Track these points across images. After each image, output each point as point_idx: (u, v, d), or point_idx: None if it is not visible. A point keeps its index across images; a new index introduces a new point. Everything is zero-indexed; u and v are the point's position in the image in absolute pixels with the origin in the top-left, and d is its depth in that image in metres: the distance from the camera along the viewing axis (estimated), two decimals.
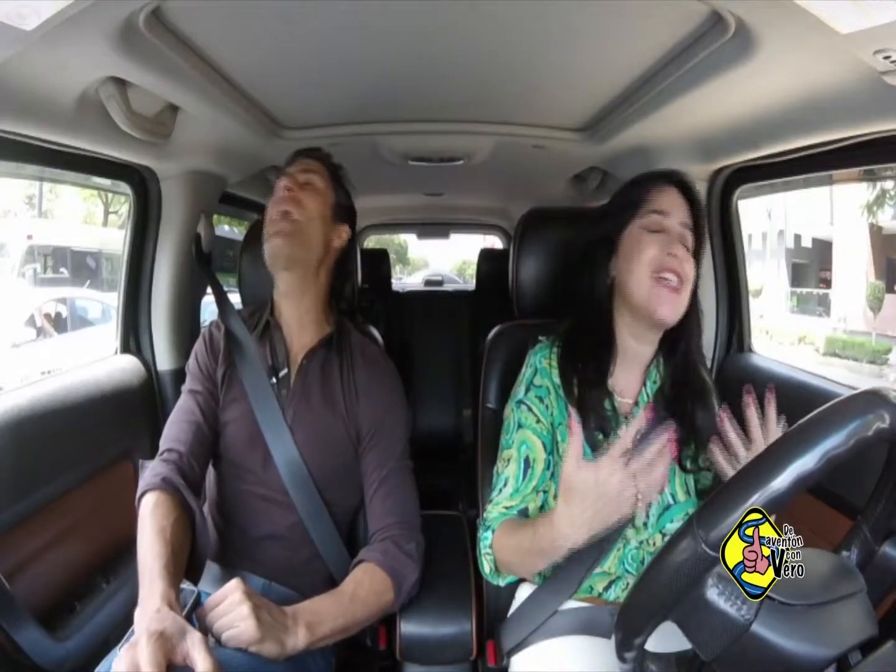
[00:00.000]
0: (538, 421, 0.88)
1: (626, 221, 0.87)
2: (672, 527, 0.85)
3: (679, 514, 0.85)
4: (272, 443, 0.95)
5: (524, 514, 0.86)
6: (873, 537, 0.57)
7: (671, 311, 0.82)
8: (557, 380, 0.88)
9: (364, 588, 0.87)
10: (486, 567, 0.88)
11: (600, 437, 0.84)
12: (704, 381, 0.90)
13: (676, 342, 0.88)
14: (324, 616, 0.81)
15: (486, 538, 0.87)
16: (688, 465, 0.86)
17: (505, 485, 0.87)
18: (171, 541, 0.79)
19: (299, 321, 1.03)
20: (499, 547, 0.85)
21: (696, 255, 0.86)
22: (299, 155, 1.06)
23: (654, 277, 0.82)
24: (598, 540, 0.82)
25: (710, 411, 0.86)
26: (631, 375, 0.90)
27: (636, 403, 0.89)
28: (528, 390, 0.90)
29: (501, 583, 0.89)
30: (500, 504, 0.87)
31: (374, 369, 1.02)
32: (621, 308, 0.88)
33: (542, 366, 0.90)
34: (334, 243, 1.03)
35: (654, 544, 0.85)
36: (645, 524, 0.85)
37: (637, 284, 0.83)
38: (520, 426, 0.89)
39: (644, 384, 0.90)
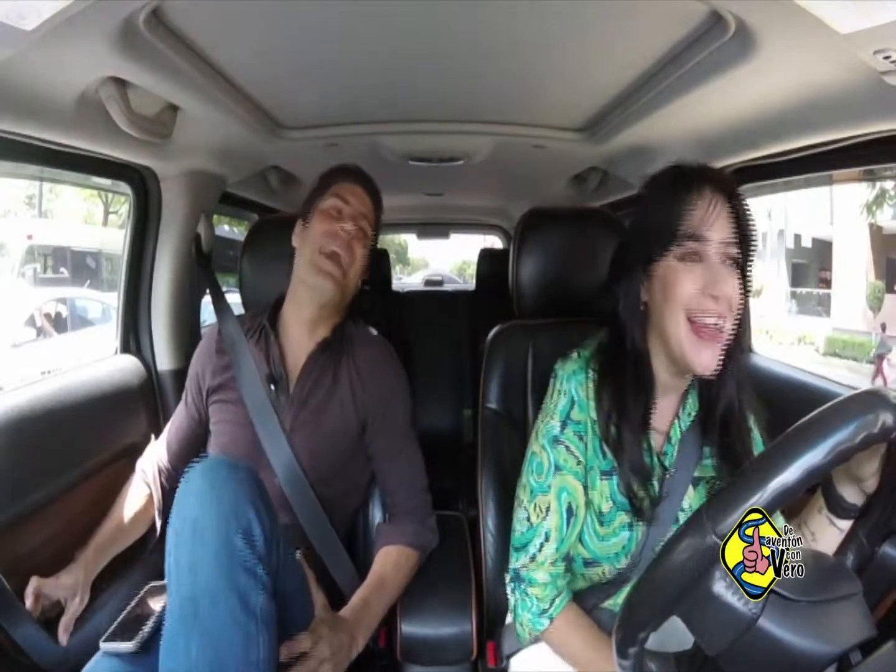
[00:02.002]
0: (578, 462, 0.79)
1: (656, 249, 0.74)
2: None
3: None
4: (269, 447, 0.95)
5: (567, 558, 0.81)
6: (871, 539, 0.57)
7: (707, 363, 0.71)
8: (594, 415, 0.79)
9: (402, 573, 0.95)
10: (527, 637, 0.81)
11: (636, 487, 0.76)
12: (741, 409, 0.78)
13: (720, 379, 0.75)
14: (377, 613, 0.89)
15: (539, 623, 0.79)
16: (700, 482, 0.79)
17: (547, 539, 0.79)
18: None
19: (308, 341, 1.03)
20: (559, 639, 0.80)
21: (743, 268, 0.73)
22: (355, 179, 1.06)
23: (692, 319, 0.72)
24: (602, 590, 0.82)
25: (747, 438, 0.78)
26: (665, 407, 0.80)
27: (668, 439, 0.80)
28: (564, 426, 0.80)
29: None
30: (545, 563, 0.79)
31: (375, 353, 1.05)
32: (655, 341, 0.77)
33: (579, 397, 0.80)
34: (362, 276, 1.06)
35: None
36: None
37: (673, 326, 0.72)
38: (558, 469, 0.79)
39: (678, 416, 0.81)
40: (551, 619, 0.79)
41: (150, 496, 1.05)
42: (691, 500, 0.79)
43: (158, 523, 1.04)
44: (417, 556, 0.98)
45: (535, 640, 0.83)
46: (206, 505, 0.66)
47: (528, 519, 0.82)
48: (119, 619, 0.85)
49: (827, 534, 0.65)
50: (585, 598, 0.83)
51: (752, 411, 0.81)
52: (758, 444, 0.81)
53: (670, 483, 0.78)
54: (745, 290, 0.73)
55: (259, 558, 0.67)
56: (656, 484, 0.78)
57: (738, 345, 0.75)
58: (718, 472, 0.78)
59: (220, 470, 0.69)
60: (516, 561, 0.83)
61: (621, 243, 0.82)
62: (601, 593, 0.83)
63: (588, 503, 0.80)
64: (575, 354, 0.84)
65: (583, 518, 0.80)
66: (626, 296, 0.78)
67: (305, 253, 1.00)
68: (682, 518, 0.78)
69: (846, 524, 0.64)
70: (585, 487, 0.79)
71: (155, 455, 1.09)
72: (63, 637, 0.85)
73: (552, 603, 0.79)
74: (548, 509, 0.79)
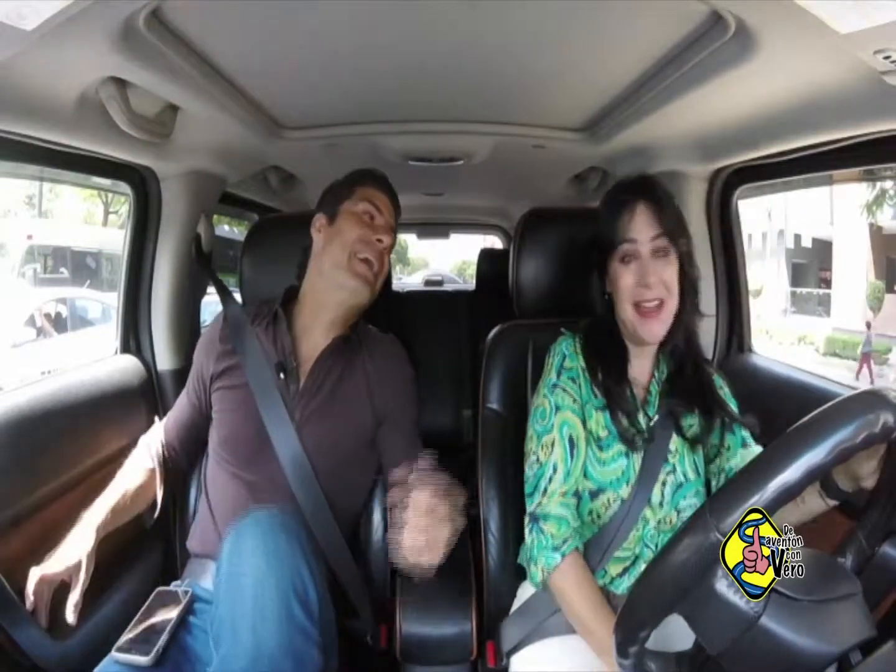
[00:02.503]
0: (574, 400, 0.92)
1: (607, 257, 0.92)
2: (685, 503, 0.89)
3: (690, 490, 0.90)
4: (276, 437, 0.94)
5: (577, 495, 0.89)
6: (871, 540, 0.57)
7: (655, 333, 0.89)
8: (583, 364, 0.94)
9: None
10: (539, 577, 0.86)
11: (625, 422, 0.89)
12: (702, 368, 0.95)
13: (667, 339, 0.92)
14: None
15: (552, 558, 0.84)
16: (691, 437, 0.91)
17: (555, 471, 0.89)
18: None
19: (322, 337, 1.02)
20: (565, 581, 0.84)
21: (681, 250, 0.89)
22: (384, 189, 1.08)
23: (636, 304, 0.88)
24: (609, 531, 0.87)
25: (710, 394, 0.93)
26: (642, 366, 0.95)
27: (649, 392, 0.94)
28: (559, 374, 0.94)
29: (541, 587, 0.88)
30: (556, 493, 0.88)
31: (390, 351, 1.07)
32: (619, 319, 0.93)
33: (569, 351, 0.95)
34: None
35: (670, 522, 0.89)
36: (661, 503, 0.88)
37: (624, 312, 0.90)
38: (558, 408, 0.91)
39: (654, 374, 0.95)
40: (563, 555, 0.84)
41: (153, 472, 1.03)
42: (676, 444, 0.91)
43: (160, 496, 1.03)
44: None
45: (545, 579, 0.86)
46: (265, 571, 0.67)
47: (538, 460, 0.91)
48: (130, 628, 0.84)
49: (814, 504, 0.74)
50: (593, 547, 0.87)
51: (719, 373, 0.98)
52: (729, 399, 0.94)
53: (656, 426, 0.91)
54: (684, 270, 0.89)
55: (313, 620, 0.68)
56: (643, 424, 0.90)
57: (683, 313, 0.90)
58: (695, 417, 0.91)
59: (273, 528, 0.70)
60: (531, 504, 0.90)
61: (588, 249, 0.98)
62: (608, 536, 0.87)
63: (588, 434, 0.91)
64: (564, 330, 1.00)
65: (584, 451, 0.90)
66: (595, 292, 0.97)
67: (335, 253, 0.99)
68: (671, 459, 0.90)
69: (835, 503, 0.73)
70: (584, 422, 0.91)
71: (158, 435, 1.08)
72: (72, 616, 0.83)
73: (565, 541, 0.85)
74: (553, 444, 0.90)
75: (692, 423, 0.92)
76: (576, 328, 0.99)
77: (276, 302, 1.04)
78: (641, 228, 0.89)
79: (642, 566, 0.87)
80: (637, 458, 0.89)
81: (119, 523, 0.96)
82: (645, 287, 0.88)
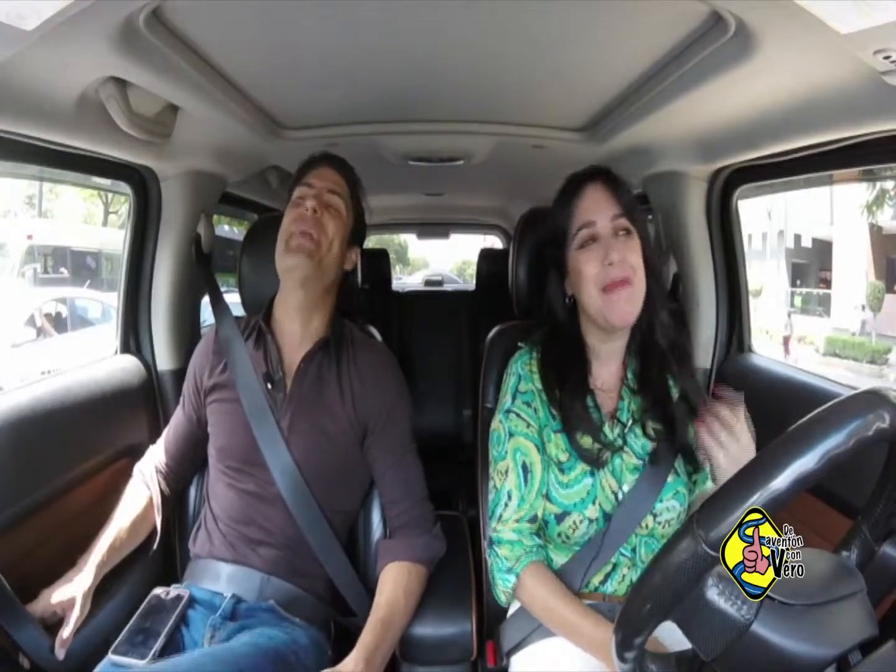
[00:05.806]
0: (528, 425, 0.89)
1: (564, 249, 0.89)
2: (662, 506, 0.87)
3: (668, 493, 0.87)
4: (266, 449, 0.95)
5: (534, 520, 0.87)
6: (873, 537, 0.57)
7: (625, 313, 0.84)
8: (539, 384, 0.90)
9: (412, 595, 0.92)
10: (503, 598, 0.88)
11: (586, 441, 0.87)
12: (670, 361, 0.92)
13: (635, 331, 0.90)
14: (387, 649, 0.86)
15: (507, 580, 0.86)
16: (651, 433, 0.89)
17: (510, 498, 0.87)
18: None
19: (301, 335, 1.02)
20: (527, 593, 0.86)
21: (642, 234, 0.87)
22: (323, 162, 1.05)
23: (602, 288, 0.84)
24: (589, 552, 0.86)
25: (669, 404, 0.90)
26: (610, 370, 0.92)
27: (620, 397, 0.91)
28: (514, 398, 0.91)
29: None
30: (509, 520, 0.87)
31: (377, 360, 1.04)
32: (585, 318, 0.91)
33: (524, 372, 0.92)
34: (346, 266, 1.04)
35: (646, 527, 0.87)
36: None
37: (590, 302, 0.86)
38: (511, 435, 0.89)
39: (625, 377, 0.92)
40: (517, 575, 0.85)
41: (150, 499, 1.04)
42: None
43: (158, 521, 1.03)
44: (427, 571, 0.96)
45: (511, 598, 0.88)
46: None
47: (495, 486, 0.91)
48: (127, 629, 0.85)
49: None
50: (575, 567, 0.86)
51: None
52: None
53: (630, 433, 0.89)
54: (646, 255, 0.87)
55: None
56: (611, 435, 0.88)
57: (649, 301, 0.87)
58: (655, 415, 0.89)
59: None
60: (490, 528, 0.90)
61: (533, 256, 0.96)
62: (585, 557, 0.86)
63: (546, 459, 0.88)
64: (522, 344, 0.97)
65: (539, 476, 0.87)
66: (554, 296, 0.93)
67: (278, 245, 0.99)
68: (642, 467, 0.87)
69: None
70: (538, 446, 0.88)
71: (153, 458, 1.08)
72: (60, 651, 0.82)
73: (518, 560, 0.85)
74: (507, 471, 0.89)
75: (656, 416, 0.89)
76: (535, 336, 0.95)
77: (260, 314, 1.05)
78: (599, 209, 0.86)
79: (623, 571, 0.87)
80: (606, 474, 0.87)
81: (120, 559, 0.96)
82: (610, 265, 0.83)
